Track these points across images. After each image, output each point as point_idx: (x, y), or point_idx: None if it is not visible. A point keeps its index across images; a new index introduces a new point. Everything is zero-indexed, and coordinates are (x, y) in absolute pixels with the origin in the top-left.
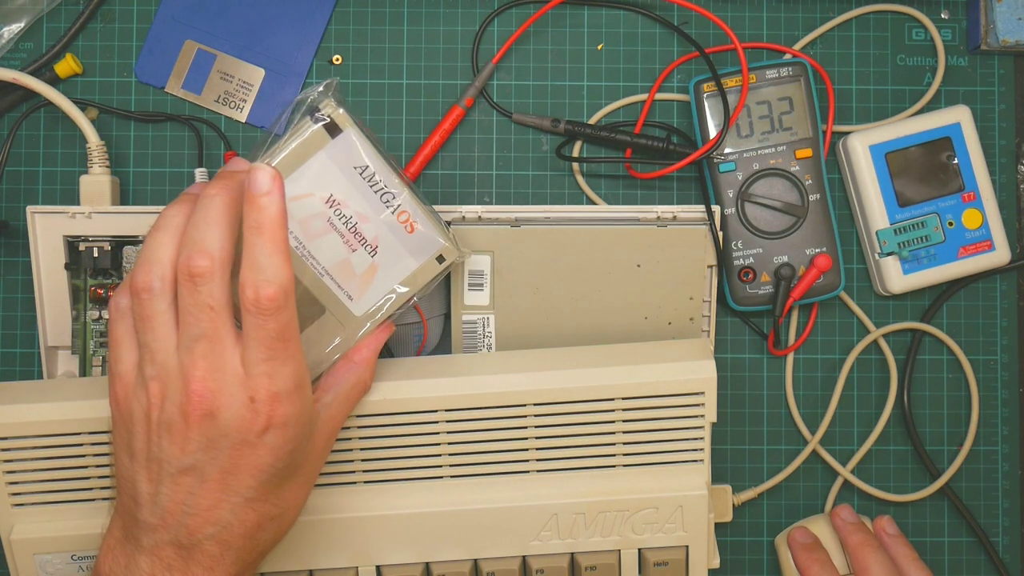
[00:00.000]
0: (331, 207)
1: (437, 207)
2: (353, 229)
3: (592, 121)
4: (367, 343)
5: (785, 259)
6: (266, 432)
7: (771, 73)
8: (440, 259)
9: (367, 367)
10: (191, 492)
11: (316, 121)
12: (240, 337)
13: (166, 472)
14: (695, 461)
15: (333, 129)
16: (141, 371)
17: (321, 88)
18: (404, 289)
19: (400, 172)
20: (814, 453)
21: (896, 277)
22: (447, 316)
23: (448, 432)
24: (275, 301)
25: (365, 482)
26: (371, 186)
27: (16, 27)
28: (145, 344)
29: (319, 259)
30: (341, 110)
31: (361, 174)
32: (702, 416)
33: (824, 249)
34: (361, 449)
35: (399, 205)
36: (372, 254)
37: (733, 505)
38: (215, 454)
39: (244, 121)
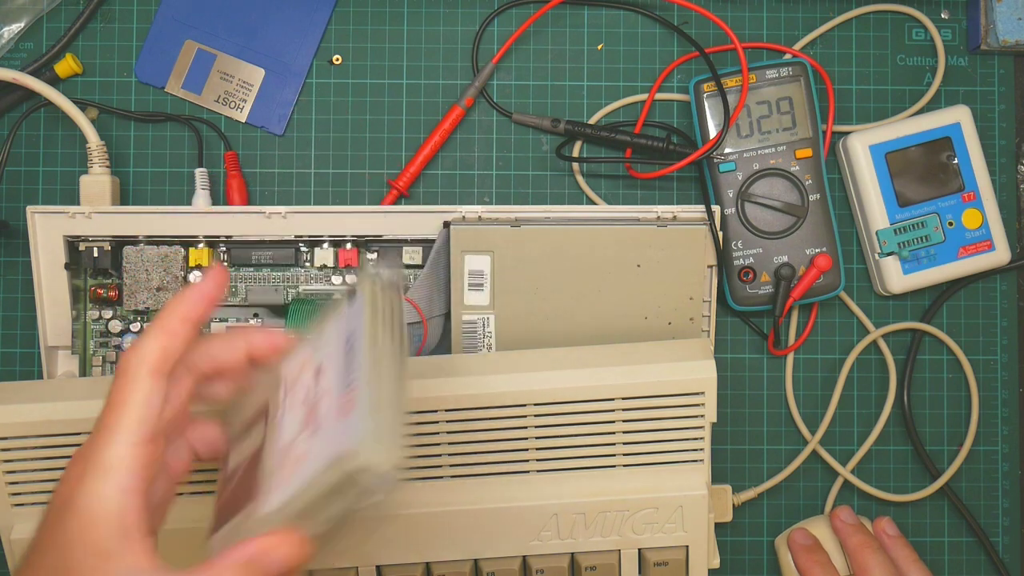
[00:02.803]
0: (315, 377)
1: (437, 207)
2: (314, 405)
3: (592, 121)
4: (240, 550)
5: (785, 259)
6: None
7: (771, 73)
8: (344, 461)
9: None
10: None
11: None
12: None
13: None
14: (695, 461)
15: (352, 294)
16: None
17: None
18: (301, 496)
19: (396, 355)
20: (814, 453)
21: (896, 277)
22: (447, 316)
23: (448, 432)
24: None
25: None
26: (348, 358)
27: (16, 27)
28: None
29: (280, 435)
30: (370, 278)
31: (347, 341)
32: (702, 416)
33: (824, 249)
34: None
35: (353, 382)
36: (311, 438)
37: (733, 505)
38: None
39: (244, 121)
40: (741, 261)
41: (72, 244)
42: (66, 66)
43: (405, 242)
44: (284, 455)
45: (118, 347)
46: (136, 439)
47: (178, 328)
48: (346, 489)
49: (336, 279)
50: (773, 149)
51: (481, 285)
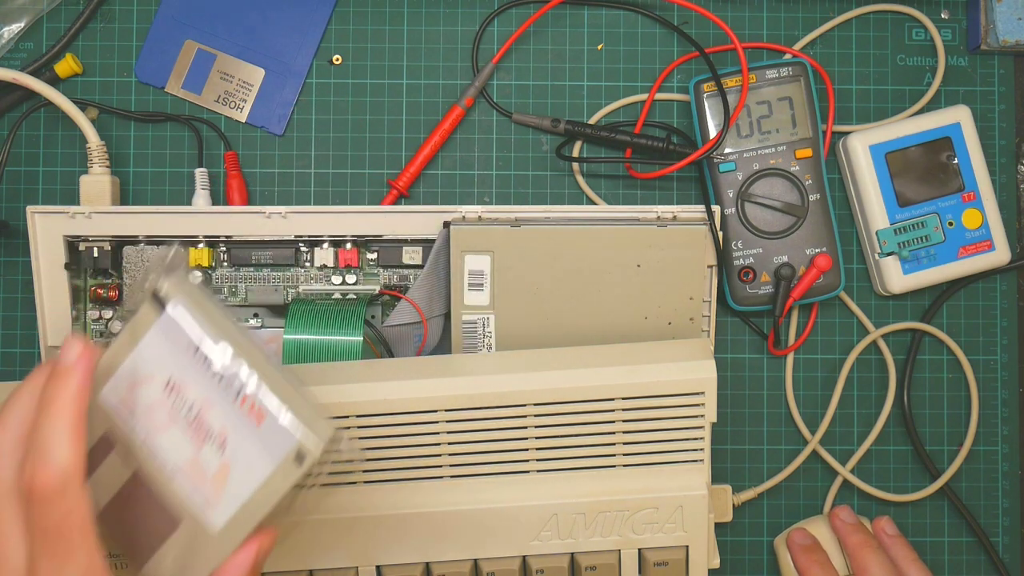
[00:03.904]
0: (170, 393)
1: (437, 207)
2: (197, 419)
3: (592, 121)
4: (234, 564)
5: (785, 259)
6: None
7: (771, 73)
8: (299, 458)
9: None
10: None
11: (145, 294)
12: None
13: None
14: (695, 461)
15: (162, 302)
16: None
17: (166, 255)
18: (262, 500)
19: (251, 346)
20: (814, 453)
21: (896, 277)
22: (447, 316)
23: (448, 432)
24: (49, 487)
25: (365, 482)
26: (209, 367)
27: (16, 27)
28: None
29: (167, 457)
30: (167, 281)
31: (195, 353)
32: (702, 416)
33: (824, 249)
34: (361, 449)
35: (241, 389)
36: (221, 450)
37: (733, 505)
38: None
39: (244, 121)
40: (741, 261)
41: (72, 244)
42: (66, 66)
43: (405, 242)
44: (192, 473)
45: None
46: None
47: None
48: (304, 480)
49: (336, 279)
50: (773, 149)
51: (481, 285)
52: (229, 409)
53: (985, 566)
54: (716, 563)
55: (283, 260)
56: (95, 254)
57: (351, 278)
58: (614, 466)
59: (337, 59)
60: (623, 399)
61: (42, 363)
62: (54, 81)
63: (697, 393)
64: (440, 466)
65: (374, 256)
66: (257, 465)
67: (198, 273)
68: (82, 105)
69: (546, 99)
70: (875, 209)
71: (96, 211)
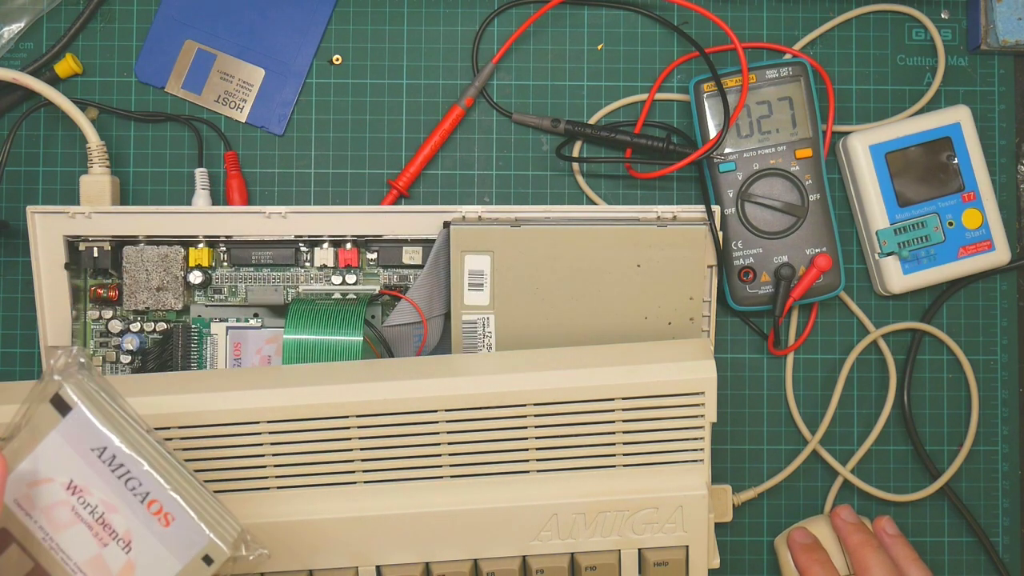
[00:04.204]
0: (73, 494)
1: (437, 207)
2: (101, 520)
3: (592, 121)
4: None
5: (785, 259)
6: None
7: (771, 73)
8: (207, 560)
9: None
10: None
11: (46, 395)
12: None
13: None
14: (695, 461)
15: (62, 406)
16: None
17: (61, 357)
18: None
19: (158, 451)
20: (814, 453)
21: (896, 277)
22: (447, 316)
23: (448, 432)
24: None
25: (365, 482)
26: (113, 471)
27: (16, 27)
28: None
29: (69, 553)
30: (69, 385)
31: (100, 456)
32: (702, 416)
33: (824, 249)
34: (361, 449)
35: (148, 493)
36: (126, 550)
37: (733, 505)
38: None
39: (244, 121)
40: (741, 261)
41: (72, 244)
42: (66, 66)
43: (405, 242)
44: (97, 569)
45: (118, 347)
46: None
47: None
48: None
49: (336, 279)
50: (773, 149)
51: (481, 285)
52: (135, 511)
53: (985, 566)
54: (716, 563)
55: (283, 260)
56: (95, 254)
57: (351, 278)
58: (614, 466)
59: (337, 59)
60: (623, 399)
61: None
62: (54, 81)
63: (697, 393)
64: (440, 466)
65: (374, 256)
66: (165, 565)
67: (89, 363)
68: (82, 105)
69: (546, 99)
70: (875, 209)
71: (96, 211)
